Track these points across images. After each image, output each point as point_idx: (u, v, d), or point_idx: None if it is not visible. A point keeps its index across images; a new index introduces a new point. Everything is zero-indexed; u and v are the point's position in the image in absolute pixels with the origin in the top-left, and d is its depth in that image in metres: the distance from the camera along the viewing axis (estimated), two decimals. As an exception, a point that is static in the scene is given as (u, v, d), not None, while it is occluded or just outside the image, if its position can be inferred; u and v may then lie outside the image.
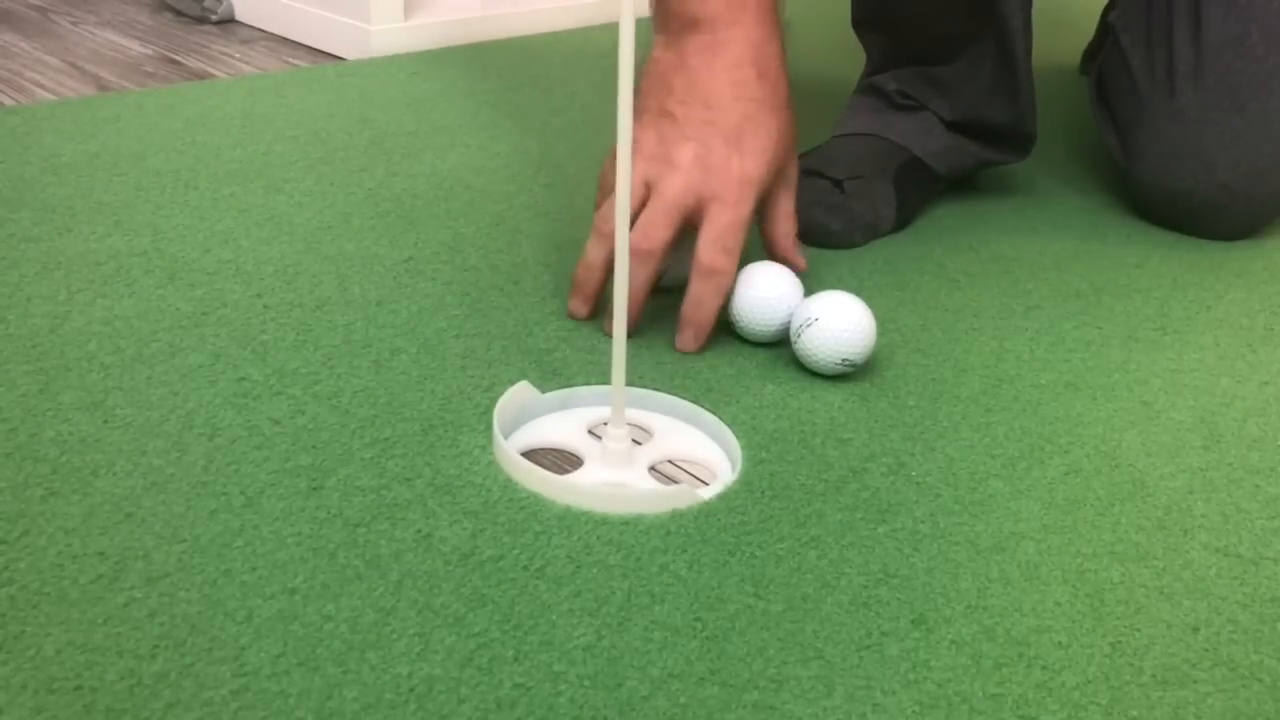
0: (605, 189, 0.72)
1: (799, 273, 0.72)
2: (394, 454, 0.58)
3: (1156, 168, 0.93)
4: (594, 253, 0.70)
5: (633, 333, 0.70)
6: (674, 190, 0.67)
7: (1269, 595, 0.53)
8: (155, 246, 0.78)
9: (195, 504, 0.54)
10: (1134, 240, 0.93)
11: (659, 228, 0.67)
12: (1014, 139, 0.96)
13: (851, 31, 1.02)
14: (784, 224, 0.73)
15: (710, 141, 0.67)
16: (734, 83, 0.67)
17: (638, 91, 0.70)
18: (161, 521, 0.52)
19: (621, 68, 0.50)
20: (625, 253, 0.54)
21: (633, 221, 0.68)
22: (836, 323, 0.66)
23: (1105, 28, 1.19)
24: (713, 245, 0.67)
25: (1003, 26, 0.88)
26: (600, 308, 0.73)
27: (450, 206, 0.90)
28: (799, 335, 0.68)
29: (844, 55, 1.06)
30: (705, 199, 0.67)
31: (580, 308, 0.72)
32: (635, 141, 0.69)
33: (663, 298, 0.77)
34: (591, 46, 1.23)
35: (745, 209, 0.68)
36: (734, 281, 0.69)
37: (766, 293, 0.70)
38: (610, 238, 0.68)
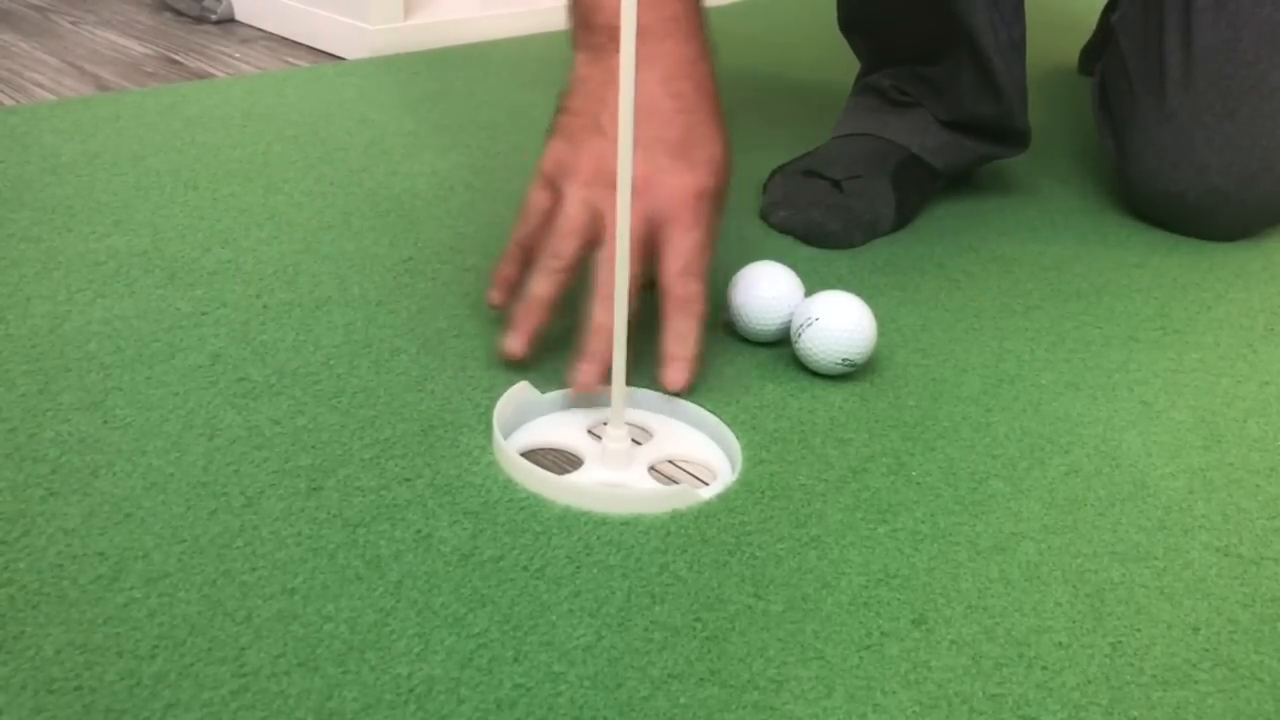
0: (529, 216, 0.65)
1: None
2: (394, 454, 0.58)
3: (1151, 170, 0.93)
4: (541, 288, 0.62)
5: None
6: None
7: (1269, 595, 0.53)
8: (155, 246, 0.78)
9: (195, 504, 0.54)
10: (1134, 240, 0.93)
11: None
12: (1006, 134, 0.96)
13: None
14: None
15: (656, 159, 0.61)
16: (673, 95, 0.62)
17: (562, 110, 0.65)
18: (161, 521, 0.52)
19: (624, 67, 0.50)
20: (625, 261, 0.54)
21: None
22: (836, 323, 0.66)
23: (1108, 29, 1.19)
24: (681, 276, 0.61)
25: (966, 25, 0.88)
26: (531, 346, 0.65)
27: (450, 206, 0.89)
28: (799, 335, 0.68)
29: (843, 58, 1.06)
30: (660, 223, 0.61)
31: (516, 344, 0.64)
32: (564, 163, 0.62)
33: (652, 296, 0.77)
34: (591, 46, 1.23)
35: (704, 227, 0.63)
36: (706, 305, 0.63)
37: (766, 293, 0.70)
38: (560, 273, 0.62)
